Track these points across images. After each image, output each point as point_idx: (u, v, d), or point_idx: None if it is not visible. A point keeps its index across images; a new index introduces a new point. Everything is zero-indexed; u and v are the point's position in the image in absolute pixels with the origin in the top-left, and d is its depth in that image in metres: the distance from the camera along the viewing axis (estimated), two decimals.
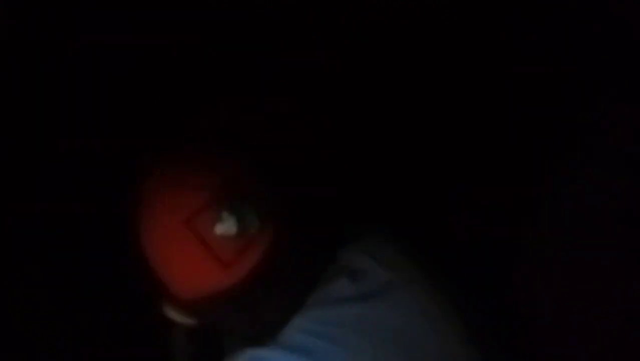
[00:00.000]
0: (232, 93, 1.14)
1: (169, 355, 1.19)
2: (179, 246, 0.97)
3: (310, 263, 1.02)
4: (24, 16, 1.11)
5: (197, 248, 0.95)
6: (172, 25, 1.19)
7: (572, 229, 1.10)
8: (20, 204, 1.15)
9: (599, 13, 1.05)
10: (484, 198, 1.22)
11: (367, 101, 1.25)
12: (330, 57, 1.22)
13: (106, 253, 1.13)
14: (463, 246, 1.20)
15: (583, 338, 1.07)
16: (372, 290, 1.00)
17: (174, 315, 1.04)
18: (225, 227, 0.94)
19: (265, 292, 0.99)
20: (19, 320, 1.16)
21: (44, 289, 1.19)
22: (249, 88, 1.15)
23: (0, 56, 1.08)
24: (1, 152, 1.13)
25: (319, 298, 1.00)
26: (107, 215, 1.09)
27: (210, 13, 1.20)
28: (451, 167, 1.26)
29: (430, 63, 1.23)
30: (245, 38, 1.22)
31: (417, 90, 1.24)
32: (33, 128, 1.16)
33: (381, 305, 1.00)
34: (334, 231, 1.06)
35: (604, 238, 1.04)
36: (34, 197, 1.17)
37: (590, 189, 1.08)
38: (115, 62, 1.18)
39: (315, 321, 0.98)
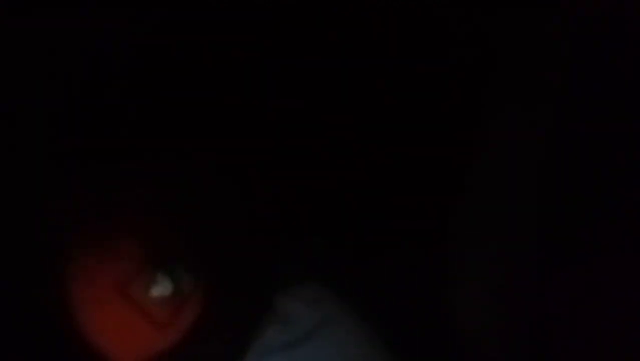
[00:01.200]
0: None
1: None
2: (113, 315, 0.96)
3: (246, 316, 1.02)
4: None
5: (133, 314, 0.95)
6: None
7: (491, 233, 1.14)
8: None
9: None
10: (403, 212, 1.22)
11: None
12: None
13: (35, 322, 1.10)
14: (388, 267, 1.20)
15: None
16: (299, 338, 1.01)
17: None
18: (161, 289, 0.95)
19: (203, 349, 0.99)
20: None
21: None
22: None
23: None
24: None
25: (256, 351, 1.00)
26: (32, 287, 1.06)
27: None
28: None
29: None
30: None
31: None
32: None
33: (312, 350, 1.00)
34: (267, 280, 1.05)
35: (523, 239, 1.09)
36: None
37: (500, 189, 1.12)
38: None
39: None
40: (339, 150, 1.25)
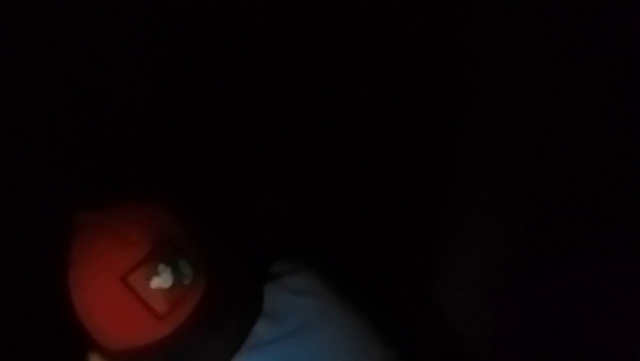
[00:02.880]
0: None
1: None
2: (114, 303, 0.96)
3: (242, 310, 1.03)
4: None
5: (133, 304, 0.95)
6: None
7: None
8: None
9: None
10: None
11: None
12: None
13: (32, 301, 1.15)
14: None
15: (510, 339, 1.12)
16: (290, 331, 1.01)
17: None
18: (162, 280, 0.95)
19: (199, 341, 0.99)
20: None
21: None
22: None
23: None
24: None
25: (248, 344, 1.01)
26: (35, 266, 1.11)
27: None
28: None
29: None
30: None
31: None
32: None
33: (302, 343, 1.01)
34: (262, 276, 1.07)
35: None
36: None
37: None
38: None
39: None
40: (328, 147, 1.29)
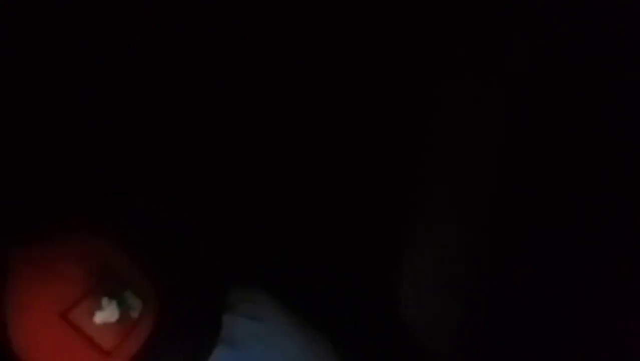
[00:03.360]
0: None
1: None
2: (55, 342, 0.93)
3: (199, 338, 0.99)
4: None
5: (76, 341, 0.92)
6: None
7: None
8: None
9: None
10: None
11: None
12: None
13: None
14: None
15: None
16: (251, 356, 0.99)
17: None
18: (106, 314, 0.92)
19: None
20: None
21: None
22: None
23: None
24: None
25: None
26: None
27: None
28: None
29: None
30: None
31: None
32: None
33: None
34: (216, 303, 1.03)
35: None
36: None
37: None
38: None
39: None
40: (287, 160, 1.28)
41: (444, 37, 1.23)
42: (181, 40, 1.26)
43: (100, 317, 0.91)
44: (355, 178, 1.28)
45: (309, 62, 1.28)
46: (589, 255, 0.97)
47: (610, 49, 1.03)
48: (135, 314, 0.93)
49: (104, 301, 0.92)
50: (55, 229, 0.98)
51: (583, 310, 0.97)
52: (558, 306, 1.00)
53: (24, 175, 1.18)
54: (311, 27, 1.26)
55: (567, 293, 0.99)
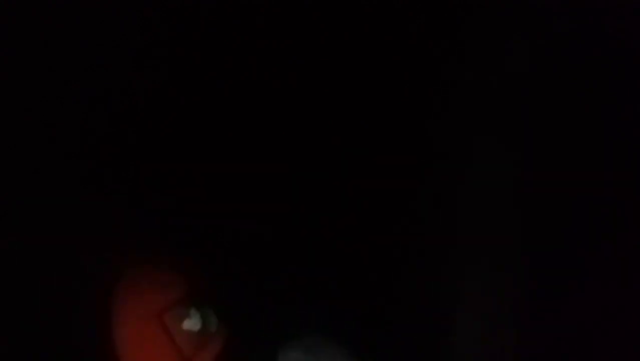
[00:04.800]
0: None
1: None
2: (147, 338, 1.05)
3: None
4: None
5: (164, 341, 1.05)
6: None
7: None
8: None
9: None
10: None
11: None
12: None
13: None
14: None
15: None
16: None
17: None
18: (192, 323, 1.06)
19: None
20: None
21: None
22: None
23: None
24: None
25: None
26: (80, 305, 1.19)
27: None
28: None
29: None
30: None
31: None
32: None
33: None
34: (274, 334, 1.16)
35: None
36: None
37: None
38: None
39: None
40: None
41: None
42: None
43: (187, 324, 1.06)
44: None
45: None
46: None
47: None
48: (213, 329, 1.07)
49: (192, 311, 1.06)
50: (157, 248, 1.15)
51: None
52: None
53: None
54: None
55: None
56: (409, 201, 1.33)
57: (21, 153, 1.25)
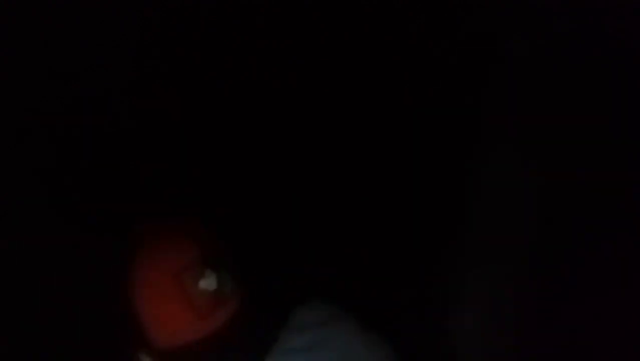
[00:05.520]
0: None
1: None
2: (165, 298, 1.08)
3: (269, 323, 1.15)
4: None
5: (181, 300, 1.08)
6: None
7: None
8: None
9: None
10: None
11: None
12: None
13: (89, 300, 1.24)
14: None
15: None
16: (315, 342, 1.13)
17: None
18: (208, 283, 1.08)
19: (232, 343, 1.11)
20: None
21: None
22: None
23: None
24: None
25: (275, 351, 1.12)
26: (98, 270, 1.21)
27: None
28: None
29: None
30: None
31: None
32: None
33: (324, 352, 1.13)
34: (288, 298, 1.19)
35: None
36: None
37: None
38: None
39: None
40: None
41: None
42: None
43: (203, 284, 1.08)
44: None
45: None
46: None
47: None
48: (227, 290, 1.09)
49: (207, 272, 1.08)
50: (171, 214, 1.18)
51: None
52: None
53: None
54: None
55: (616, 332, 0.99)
56: (410, 201, 1.34)
57: (21, 153, 1.25)
